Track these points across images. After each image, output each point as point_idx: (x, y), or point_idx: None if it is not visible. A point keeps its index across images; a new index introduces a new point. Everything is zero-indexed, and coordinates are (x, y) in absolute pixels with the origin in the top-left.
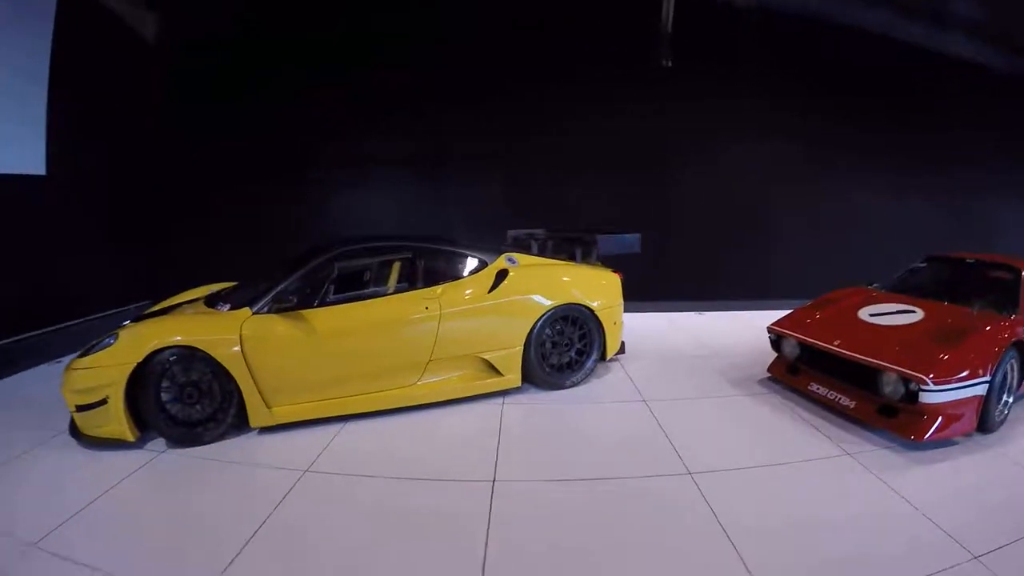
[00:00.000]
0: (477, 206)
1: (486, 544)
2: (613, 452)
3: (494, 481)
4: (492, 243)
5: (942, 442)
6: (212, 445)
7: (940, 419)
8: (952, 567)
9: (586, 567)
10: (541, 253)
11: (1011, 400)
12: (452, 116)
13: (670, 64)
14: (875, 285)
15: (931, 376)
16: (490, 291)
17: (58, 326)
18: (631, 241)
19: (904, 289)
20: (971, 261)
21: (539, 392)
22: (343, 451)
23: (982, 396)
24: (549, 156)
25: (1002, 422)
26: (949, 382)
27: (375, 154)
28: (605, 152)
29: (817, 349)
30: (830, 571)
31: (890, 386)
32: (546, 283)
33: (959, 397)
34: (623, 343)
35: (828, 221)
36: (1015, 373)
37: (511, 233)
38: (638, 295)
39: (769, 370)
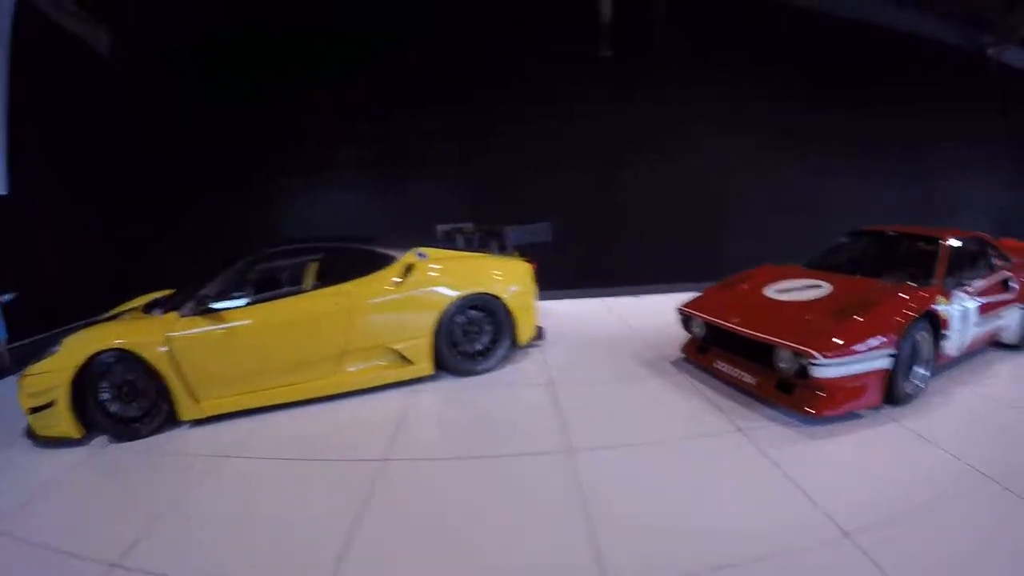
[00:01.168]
0: (428, 203)
1: (362, 511)
2: (503, 432)
3: (385, 460)
4: (419, 239)
5: (845, 416)
6: (150, 438)
7: (837, 394)
8: (817, 544)
9: (441, 535)
10: (468, 246)
11: (927, 372)
12: (404, 120)
13: (610, 54)
14: (799, 261)
15: (820, 351)
16: (397, 285)
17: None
18: (542, 230)
19: (826, 264)
20: (893, 234)
21: (452, 379)
22: (259, 438)
23: (888, 369)
24: (499, 153)
25: (916, 395)
26: (842, 356)
27: (335, 158)
28: (551, 144)
29: (718, 328)
30: (683, 547)
31: (784, 362)
32: (453, 275)
33: (857, 371)
34: (541, 329)
35: (773, 202)
36: (930, 344)
37: (440, 228)
38: (579, 282)
39: (682, 350)
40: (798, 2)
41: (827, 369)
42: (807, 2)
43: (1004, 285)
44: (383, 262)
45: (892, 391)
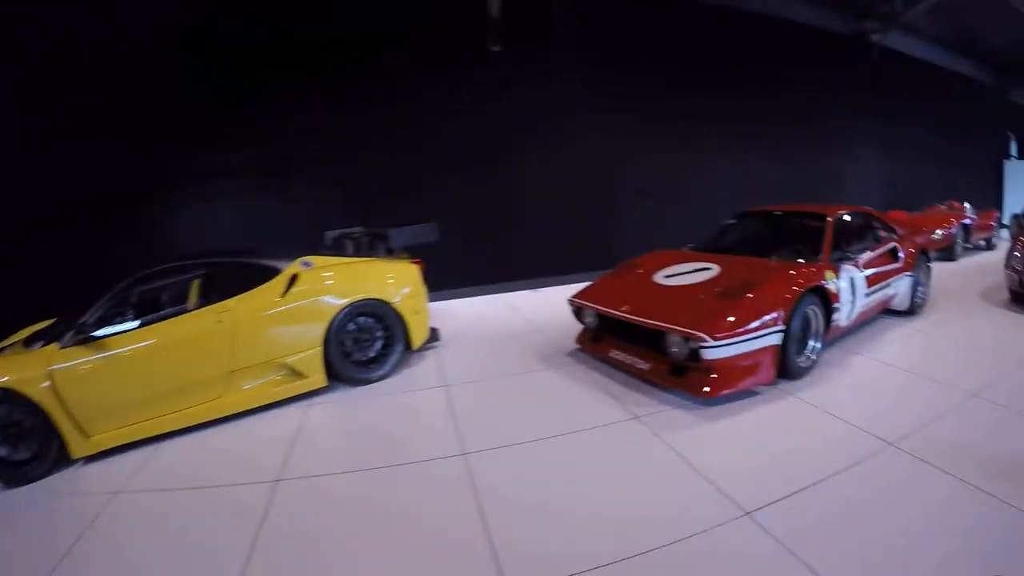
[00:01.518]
0: (316, 208)
1: (256, 536)
2: (397, 441)
3: (279, 481)
4: (307, 246)
5: (740, 395)
6: (43, 480)
7: (730, 373)
8: (720, 525)
9: (337, 556)
10: (357, 251)
11: (819, 345)
12: (283, 122)
13: (498, 49)
14: (689, 245)
15: (709, 333)
16: (283, 297)
17: None
18: (427, 230)
19: (714, 247)
20: (779, 213)
21: (347, 389)
22: (154, 469)
23: (778, 345)
24: (387, 152)
25: (810, 368)
26: (731, 336)
27: (218, 165)
28: (441, 141)
29: (610, 316)
30: (583, 542)
31: (675, 346)
32: (339, 282)
33: (748, 349)
34: (436, 330)
35: (665, 188)
36: (820, 319)
37: (329, 234)
38: (475, 279)
39: (577, 341)
40: None
41: (717, 350)
42: None
43: (892, 255)
44: (267, 274)
45: (786, 366)
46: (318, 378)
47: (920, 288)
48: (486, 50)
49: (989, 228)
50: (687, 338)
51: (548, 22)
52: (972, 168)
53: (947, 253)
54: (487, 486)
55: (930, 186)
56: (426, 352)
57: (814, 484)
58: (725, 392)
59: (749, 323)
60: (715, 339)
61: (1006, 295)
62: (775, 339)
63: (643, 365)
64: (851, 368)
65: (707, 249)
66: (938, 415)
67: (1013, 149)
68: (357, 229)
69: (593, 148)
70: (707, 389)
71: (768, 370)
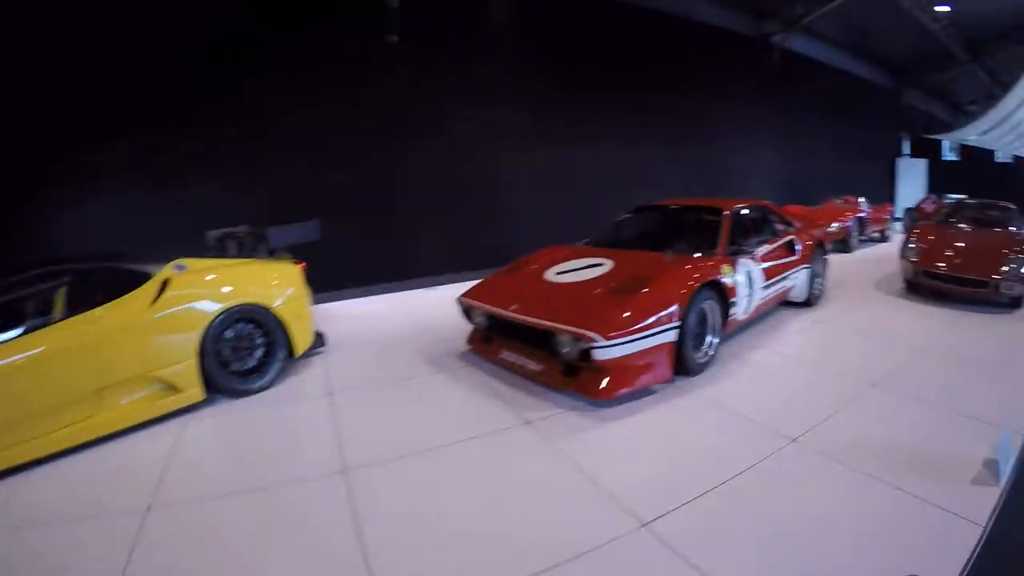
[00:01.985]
0: (201, 205)
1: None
2: (278, 457)
3: (149, 509)
4: (185, 248)
5: (636, 394)
6: None
7: (624, 373)
8: (615, 539)
9: None
10: (241, 251)
11: (716, 340)
12: (163, 113)
13: (396, 40)
14: (584, 240)
15: (600, 332)
16: (153, 304)
17: None
18: (310, 228)
19: (610, 242)
20: (675, 207)
21: (227, 401)
22: (18, 504)
23: (674, 342)
24: (274, 146)
25: (707, 363)
26: (622, 335)
27: (96, 163)
28: (333, 134)
29: (499, 316)
30: (471, 563)
31: (566, 346)
32: (214, 287)
33: (642, 348)
34: (322, 335)
35: (562, 183)
36: (717, 313)
37: (211, 233)
38: (366, 279)
39: (468, 342)
40: None
41: (609, 350)
42: None
43: (789, 248)
44: (137, 280)
45: (683, 362)
46: (195, 391)
47: (817, 280)
48: (383, 41)
49: (883, 221)
50: (577, 338)
51: (448, 14)
52: (867, 165)
53: (843, 245)
54: (368, 508)
55: (826, 181)
56: (312, 358)
57: (715, 488)
58: (620, 392)
59: (642, 320)
60: (607, 339)
61: (901, 285)
62: (671, 336)
63: (534, 366)
64: (750, 362)
65: (602, 244)
66: (839, 407)
67: (905, 147)
68: (241, 228)
69: (491, 143)
70: (601, 389)
71: (664, 368)
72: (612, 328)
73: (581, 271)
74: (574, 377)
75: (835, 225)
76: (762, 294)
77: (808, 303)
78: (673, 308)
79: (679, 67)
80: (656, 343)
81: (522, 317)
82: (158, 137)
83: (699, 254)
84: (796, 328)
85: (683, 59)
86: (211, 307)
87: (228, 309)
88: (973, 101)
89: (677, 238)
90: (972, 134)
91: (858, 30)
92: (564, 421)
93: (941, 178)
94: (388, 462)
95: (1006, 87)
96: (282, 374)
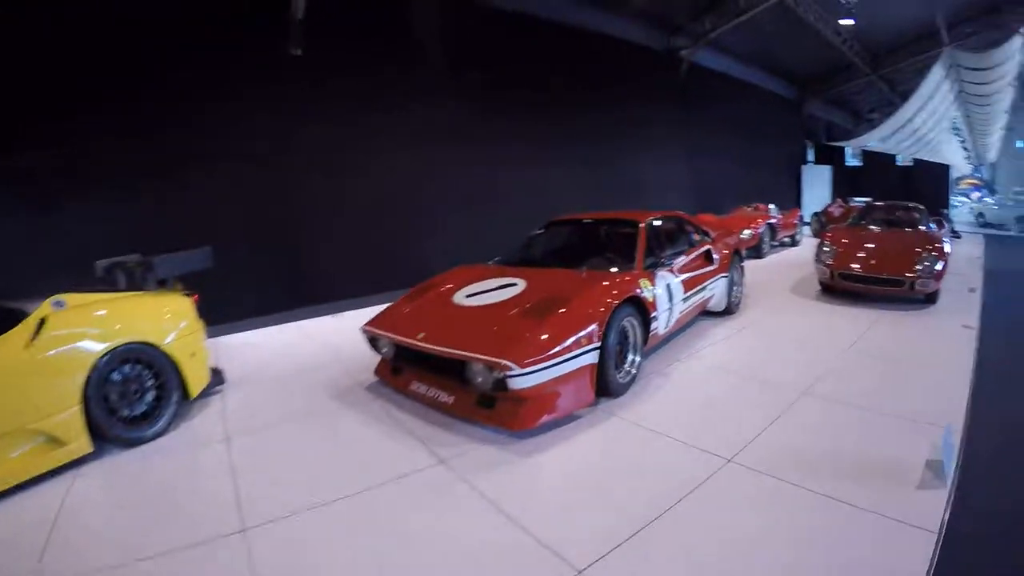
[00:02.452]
0: (91, 232)
1: None
2: (170, 518)
3: None
4: (70, 279)
5: (559, 421)
6: None
7: (543, 401)
8: None
9: None
10: (130, 283)
11: (638, 357)
12: (47, 132)
13: (300, 53)
14: (495, 259)
15: (515, 360)
16: (28, 347)
17: None
18: (199, 257)
19: (522, 259)
20: (589, 221)
21: (117, 453)
22: None
23: (594, 363)
24: (167, 165)
25: (630, 382)
26: (540, 361)
27: None
28: (231, 154)
29: (406, 346)
30: None
31: (479, 376)
32: (97, 325)
33: (562, 372)
34: (220, 371)
35: (472, 200)
36: (638, 330)
37: (100, 264)
38: (269, 308)
39: (376, 373)
40: (497, 3)
41: (526, 378)
42: (508, 4)
43: (706, 258)
44: (10, 320)
45: (605, 383)
46: (80, 443)
47: (735, 288)
48: (286, 54)
49: (792, 226)
50: (492, 367)
51: (357, 27)
52: (774, 172)
53: (756, 251)
54: (270, 572)
55: (735, 190)
56: (210, 398)
57: (652, 521)
58: (541, 422)
59: (561, 343)
60: (523, 366)
61: (817, 288)
62: (591, 357)
63: (447, 398)
64: (674, 377)
65: (514, 263)
66: (772, 419)
67: (810, 155)
68: (132, 257)
69: (400, 159)
70: (521, 420)
71: (587, 391)
72: (528, 354)
73: (492, 292)
74: (490, 408)
75: (747, 232)
76: (682, 306)
77: (728, 311)
78: (592, 328)
79: (592, 81)
80: (576, 366)
81: (430, 346)
82: (23, 154)
83: (616, 269)
84: (718, 338)
85: (595, 73)
86: (95, 347)
87: (113, 349)
88: (872, 110)
89: (592, 253)
90: (873, 140)
91: (764, 44)
92: (481, 457)
93: (845, 183)
94: (290, 517)
95: (904, 96)
96: (177, 418)
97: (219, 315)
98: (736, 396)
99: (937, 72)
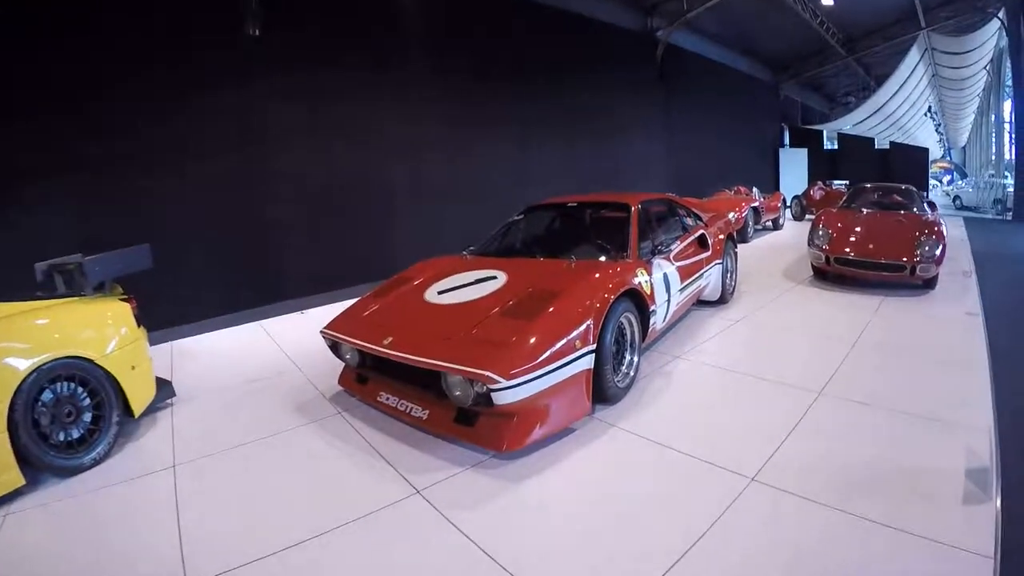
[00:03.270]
0: (31, 231)
1: None
2: (111, 566)
3: None
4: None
5: (550, 438)
6: None
7: (533, 416)
8: None
9: None
10: (69, 287)
11: (637, 358)
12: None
13: (257, 33)
14: (469, 249)
15: (500, 372)
16: None
17: None
18: (135, 256)
19: (499, 249)
20: (573, 204)
21: (54, 483)
22: None
23: (590, 369)
24: (116, 156)
25: (629, 386)
26: (528, 371)
27: None
28: (185, 143)
29: (370, 354)
30: None
31: (457, 389)
32: (21, 338)
33: (554, 382)
34: (168, 384)
35: (450, 186)
36: (636, 326)
37: (38, 266)
38: (229, 307)
39: (340, 382)
40: None
41: (513, 391)
42: None
43: (701, 244)
44: None
45: (601, 389)
46: (11, 476)
47: (730, 275)
48: (244, 35)
49: (775, 210)
50: (472, 379)
51: (320, 4)
52: (752, 156)
53: (740, 235)
54: None
55: (714, 173)
56: (159, 413)
57: (677, 562)
58: (531, 441)
59: (551, 347)
60: (509, 378)
61: (809, 273)
62: (586, 362)
63: (420, 413)
64: (675, 377)
65: (491, 253)
66: (791, 426)
67: (786, 138)
68: (74, 258)
69: (370, 146)
70: (507, 440)
71: (582, 401)
72: (515, 364)
73: (469, 288)
74: (470, 425)
75: (732, 216)
76: (680, 297)
77: (723, 300)
78: (587, 327)
79: (567, 63)
80: (570, 374)
81: (398, 354)
82: None
83: (607, 258)
84: (716, 331)
85: (570, 55)
86: (19, 365)
87: (41, 366)
88: (848, 93)
89: (579, 240)
90: (848, 124)
91: (741, 25)
92: (464, 484)
93: (822, 166)
94: (242, 568)
95: (880, 80)
96: (122, 438)
97: (176, 316)
98: (746, 399)
99: (913, 56)
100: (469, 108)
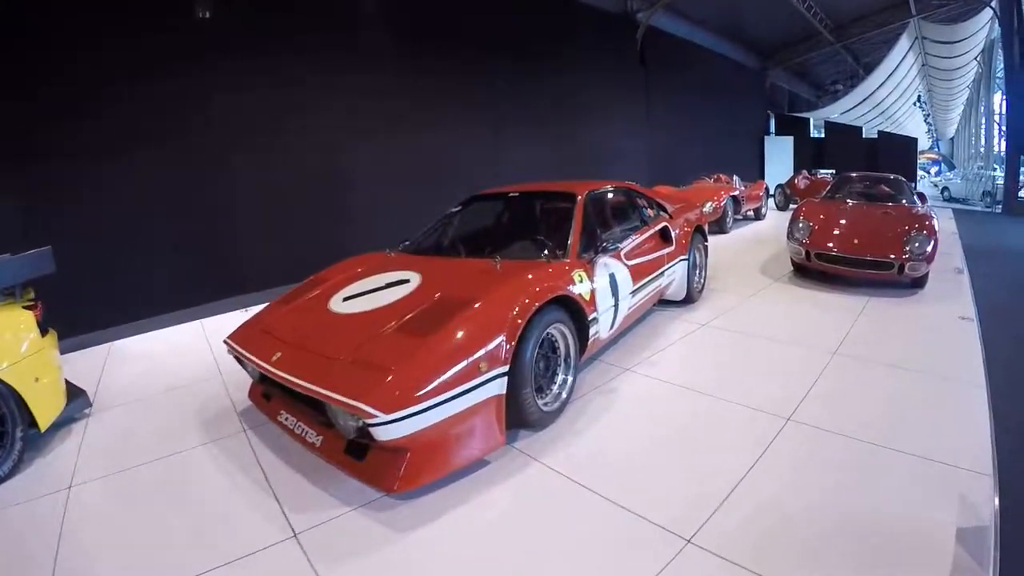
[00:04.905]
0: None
1: None
2: None
3: None
4: None
5: (457, 473)
6: None
7: (430, 453)
8: None
9: None
10: None
11: (571, 378)
12: None
13: (208, 15)
14: (403, 244)
15: (378, 405)
16: None
17: None
18: (35, 260)
19: (426, 246)
20: (515, 195)
21: None
22: None
23: (501, 395)
24: (53, 148)
25: (560, 409)
26: (414, 402)
27: None
28: (122, 130)
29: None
30: None
31: (340, 419)
32: None
33: (450, 413)
34: (83, 393)
35: (407, 175)
36: (571, 339)
37: None
38: (174, 303)
39: (249, 396)
40: None
41: (395, 427)
42: None
43: (663, 238)
44: None
45: (520, 415)
46: None
47: (698, 271)
48: (193, 17)
49: (757, 199)
50: (351, 411)
51: None
52: (736, 143)
53: (719, 226)
54: None
55: (695, 161)
56: (74, 425)
57: None
58: (424, 482)
59: (448, 372)
60: (388, 413)
61: (788, 269)
62: (496, 387)
63: (315, 438)
64: (620, 397)
65: (422, 250)
66: (749, 464)
67: (772, 126)
68: (3, 257)
69: (328, 133)
70: (396, 480)
71: (492, 433)
72: (396, 394)
73: (376, 294)
74: (360, 458)
75: (709, 205)
76: (632, 301)
77: (689, 299)
78: (498, 344)
79: (541, 45)
80: (474, 401)
81: (282, 374)
82: None
83: (545, 256)
84: (677, 336)
85: (546, 37)
86: None
87: None
88: (835, 81)
89: (517, 236)
90: (836, 112)
91: (725, 8)
92: (348, 529)
93: (809, 155)
94: None
95: (868, 68)
96: (32, 452)
97: (118, 315)
98: (698, 428)
99: (903, 44)
100: (437, 95)
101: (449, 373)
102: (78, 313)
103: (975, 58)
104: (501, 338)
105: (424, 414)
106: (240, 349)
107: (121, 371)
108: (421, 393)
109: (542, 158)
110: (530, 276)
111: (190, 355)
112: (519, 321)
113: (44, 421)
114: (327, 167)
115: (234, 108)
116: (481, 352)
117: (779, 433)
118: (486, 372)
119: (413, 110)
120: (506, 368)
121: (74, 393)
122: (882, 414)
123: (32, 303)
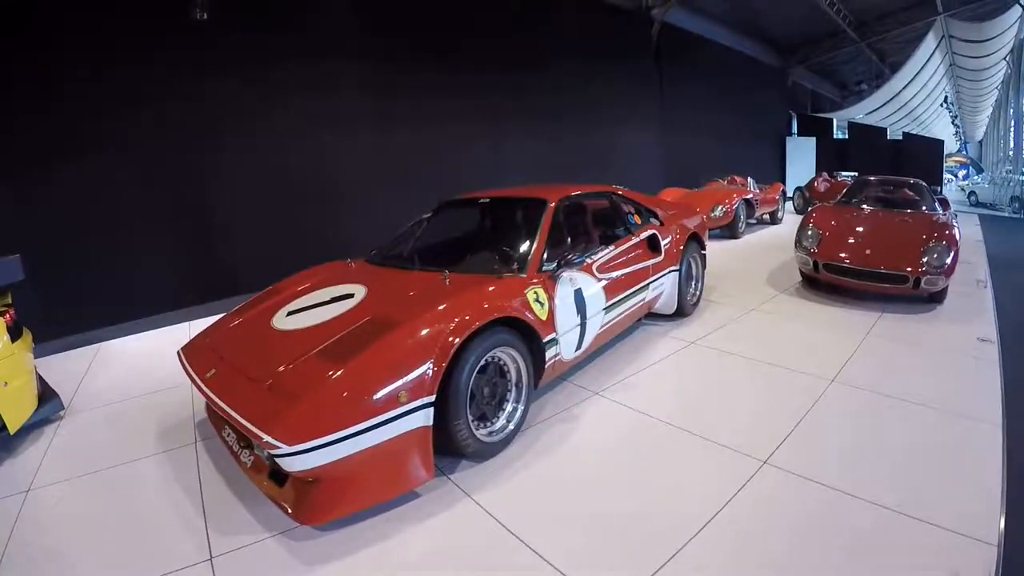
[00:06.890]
0: None
1: None
2: None
3: None
4: None
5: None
6: None
7: (342, 486)
8: None
9: None
10: None
11: (522, 407)
12: None
13: (205, 17)
14: (372, 252)
15: (278, 436)
16: None
17: None
18: (5, 268)
19: (389, 256)
20: (487, 201)
21: None
22: None
23: (427, 427)
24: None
25: (507, 440)
26: (321, 433)
27: None
28: (122, 130)
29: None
30: None
31: (255, 444)
32: None
33: (367, 444)
34: (56, 398)
35: (402, 177)
36: (522, 363)
37: None
38: (168, 305)
39: (205, 408)
40: None
41: (302, 458)
42: None
43: (650, 247)
44: None
45: (454, 447)
46: None
47: (692, 283)
48: (188, 19)
49: (773, 202)
50: (255, 440)
51: None
52: (756, 144)
53: (730, 230)
54: None
55: (713, 162)
56: (47, 427)
57: None
58: (336, 516)
59: (358, 404)
60: (291, 444)
61: (797, 279)
62: (421, 419)
63: (247, 459)
64: (582, 427)
65: (385, 261)
66: (709, 516)
67: (794, 126)
68: None
69: (324, 134)
70: (304, 512)
71: (417, 466)
72: (301, 425)
73: (319, 309)
74: (280, 484)
75: (720, 209)
76: (605, 318)
77: (681, 313)
78: (422, 373)
79: (552, 42)
80: (395, 433)
81: (210, 393)
82: None
83: (503, 268)
84: (660, 355)
85: (556, 34)
86: None
87: None
88: (860, 81)
89: (477, 247)
90: (860, 113)
91: (744, 6)
92: (261, 558)
93: (831, 156)
94: None
95: (894, 68)
96: (3, 454)
97: (112, 315)
98: (658, 467)
99: (929, 42)
100: (441, 95)
101: (362, 404)
102: (68, 313)
103: (1004, 58)
104: (427, 365)
105: (333, 447)
106: (184, 362)
107: (104, 373)
108: (329, 425)
109: (551, 158)
110: (473, 294)
111: (170, 359)
112: (451, 345)
113: (13, 424)
114: (321, 169)
115: (229, 109)
116: (400, 382)
117: (750, 479)
118: (406, 403)
119: (413, 109)
120: (431, 399)
121: (48, 396)
122: (874, 460)
123: (4, 309)
